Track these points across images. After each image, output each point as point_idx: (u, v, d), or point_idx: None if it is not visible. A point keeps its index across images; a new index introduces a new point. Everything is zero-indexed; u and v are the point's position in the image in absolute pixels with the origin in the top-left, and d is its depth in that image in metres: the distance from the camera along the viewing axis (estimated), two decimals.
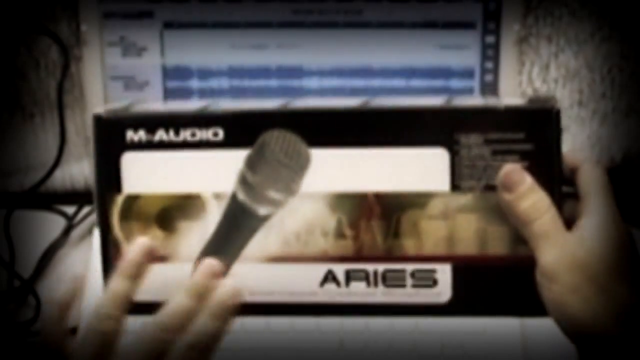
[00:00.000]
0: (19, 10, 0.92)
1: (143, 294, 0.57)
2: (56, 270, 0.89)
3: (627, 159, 0.98)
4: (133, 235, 0.58)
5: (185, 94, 0.87)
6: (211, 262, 0.55)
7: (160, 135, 0.57)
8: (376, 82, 0.87)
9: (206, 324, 0.54)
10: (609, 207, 0.55)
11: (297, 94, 0.87)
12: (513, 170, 0.55)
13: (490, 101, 0.59)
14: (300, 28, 0.86)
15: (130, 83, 0.87)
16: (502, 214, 0.56)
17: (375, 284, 0.57)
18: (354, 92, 0.87)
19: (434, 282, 0.57)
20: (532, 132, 0.55)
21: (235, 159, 0.56)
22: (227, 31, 0.86)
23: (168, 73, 0.87)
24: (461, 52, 0.86)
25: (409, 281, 0.57)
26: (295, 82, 0.87)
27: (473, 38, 0.86)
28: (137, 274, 0.55)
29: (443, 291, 0.57)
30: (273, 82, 0.87)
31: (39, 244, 0.90)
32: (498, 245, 0.57)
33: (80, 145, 0.97)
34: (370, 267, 0.57)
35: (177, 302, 0.54)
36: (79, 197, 0.96)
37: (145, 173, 0.58)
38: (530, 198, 0.54)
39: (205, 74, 0.86)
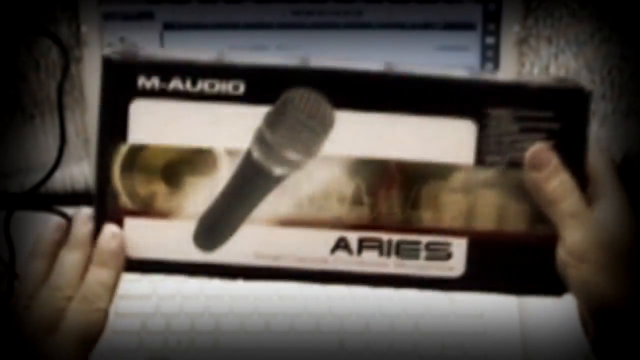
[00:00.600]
0: (19, 11, 0.92)
1: (144, 252, 0.56)
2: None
3: (627, 160, 0.97)
4: (134, 188, 0.55)
5: None
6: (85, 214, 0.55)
7: (176, 84, 0.54)
8: None
9: (94, 273, 0.54)
10: (622, 192, 0.56)
11: None
12: (541, 150, 0.55)
13: (521, 78, 0.58)
14: (300, 29, 0.86)
15: None
16: (523, 191, 0.55)
17: (388, 254, 0.56)
18: None
19: (448, 256, 0.56)
20: (561, 111, 0.55)
21: (255, 115, 0.54)
22: (227, 32, 0.85)
23: None
24: (461, 53, 0.86)
25: (423, 253, 0.56)
26: None
27: (473, 39, 0.86)
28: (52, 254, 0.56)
29: (457, 265, 0.57)
30: None
31: None
32: (516, 223, 0.56)
33: (80, 147, 0.97)
34: (384, 236, 0.56)
35: (66, 260, 0.55)
36: (79, 198, 0.96)
37: (155, 123, 0.55)
38: (557, 178, 0.55)
39: None
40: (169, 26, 0.86)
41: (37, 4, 0.91)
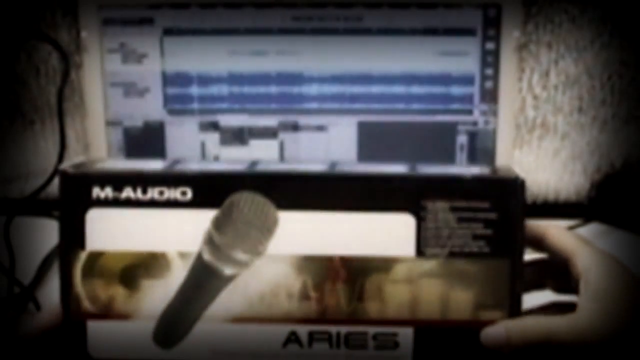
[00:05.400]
0: (19, 17, 0.92)
1: (107, 352, 0.58)
2: (56, 277, 0.88)
3: (627, 165, 0.98)
4: (95, 292, 0.58)
5: (185, 100, 0.87)
6: None
7: (127, 193, 0.57)
8: (376, 89, 0.87)
9: None
10: (599, 256, 0.57)
11: (296, 100, 0.87)
12: (488, 333, 0.57)
13: (456, 170, 0.59)
14: (300, 34, 0.86)
15: (130, 89, 0.87)
16: (465, 280, 0.57)
17: (338, 346, 0.58)
18: (353, 98, 0.87)
19: (396, 345, 0.58)
20: (496, 201, 0.57)
21: (203, 219, 0.57)
22: (227, 37, 0.86)
23: (168, 79, 0.87)
24: (461, 59, 0.86)
25: (371, 343, 0.58)
26: (295, 89, 0.87)
27: (473, 45, 0.86)
28: None
29: (404, 354, 0.58)
30: (273, 89, 0.87)
31: (39, 250, 0.89)
32: (460, 311, 0.58)
33: (80, 152, 0.97)
34: (333, 329, 0.58)
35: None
36: None
37: (110, 230, 0.58)
38: (521, 335, 0.56)
39: (205, 80, 0.87)
40: (168, 31, 0.86)
41: (37, 10, 0.91)
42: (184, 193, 0.57)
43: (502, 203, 0.57)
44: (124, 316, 0.58)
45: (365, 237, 0.57)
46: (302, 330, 0.58)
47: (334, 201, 0.57)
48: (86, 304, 0.58)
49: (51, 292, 0.86)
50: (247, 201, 0.56)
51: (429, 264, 0.57)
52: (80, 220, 0.57)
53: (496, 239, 0.57)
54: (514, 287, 0.57)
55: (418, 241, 0.57)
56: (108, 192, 0.57)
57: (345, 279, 0.57)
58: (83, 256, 0.58)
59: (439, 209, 0.57)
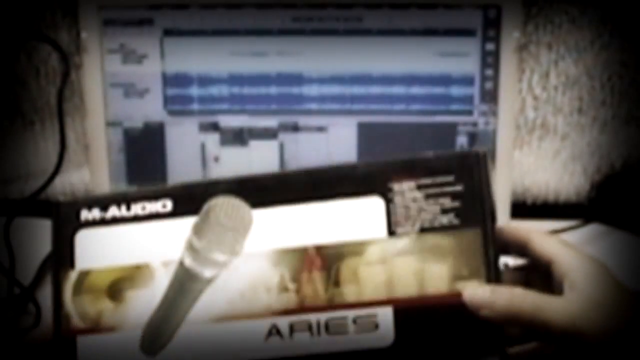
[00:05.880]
0: (19, 18, 0.92)
1: None
2: None
3: (627, 166, 0.98)
4: (84, 309, 0.60)
5: (185, 101, 0.87)
6: None
7: (113, 211, 0.60)
8: (376, 90, 0.87)
9: None
10: (583, 259, 0.57)
11: (297, 101, 0.87)
12: (473, 294, 0.57)
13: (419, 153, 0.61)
14: (300, 35, 0.86)
15: (130, 90, 0.87)
16: (438, 254, 0.58)
17: (319, 333, 0.59)
18: (353, 99, 0.87)
19: (376, 326, 0.58)
20: (460, 173, 0.59)
21: (183, 227, 0.59)
22: (227, 38, 0.86)
23: (168, 80, 0.87)
24: (461, 60, 0.86)
25: (352, 327, 0.58)
26: (295, 90, 0.87)
27: (473, 45, 0.86)
28: None
29: (386, 335, 0.58)
30: (273, 90, 0.87)
31: (39, 251, 0.89)
32: (437, 285, 0.58)
33: (80, 153, 0.97)
34: (312, 317, 0.59)
35: None
36: None
37: (97, 248, 0.60)
38: (503, 300, 0.56)
39: (205, 81, 0.87)
40: (169, 32, 0.86)
41: (37, 10, 0.91)
42: (164, 205, 0.60)
43: (466, 174, 0.58)
44: (112, 329, 0.59)
45: (338, 224, 0.59)
46: (283, 322, 0.59)
47: (304, 193, 0.59)
48: (76, 321, 0.60)
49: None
50: (223, 205, 0.58)
51: (401, 243, 0.58)
52: (70, 242, 0.60)
53: (465, 210, 0.58)
54: (489, 255, 0.58)
55: (389, 222, 0.59)
56: (95, 212, 0.60)
57: (320, 266, 0.59)
58: (73, 275, 0.60)
59: (405, 188, 0.59)
